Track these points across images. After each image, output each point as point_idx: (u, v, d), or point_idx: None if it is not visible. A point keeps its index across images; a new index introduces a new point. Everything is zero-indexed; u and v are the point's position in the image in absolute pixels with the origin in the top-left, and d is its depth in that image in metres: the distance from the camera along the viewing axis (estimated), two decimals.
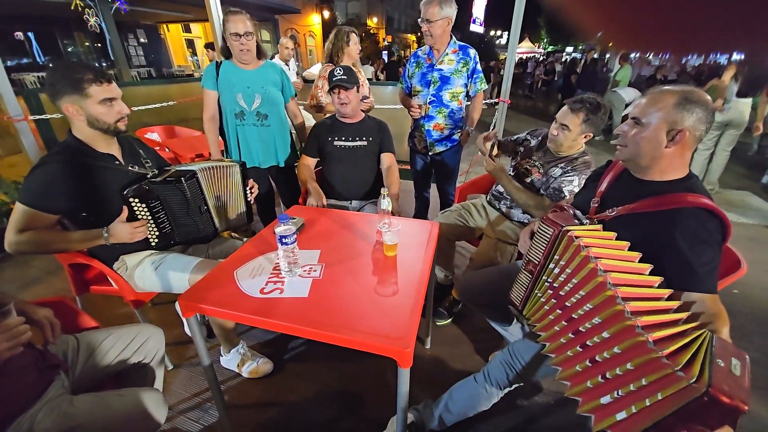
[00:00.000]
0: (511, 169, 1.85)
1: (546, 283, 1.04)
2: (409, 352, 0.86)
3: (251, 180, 1.67)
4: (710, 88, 4.90)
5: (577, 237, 0.95)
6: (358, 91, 1.89)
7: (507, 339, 1.62)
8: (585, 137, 1.56)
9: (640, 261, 0.92)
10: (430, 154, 2.31)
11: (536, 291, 1.09)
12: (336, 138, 1.97)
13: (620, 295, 0.81)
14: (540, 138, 1.77)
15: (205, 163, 1.50)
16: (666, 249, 0.94)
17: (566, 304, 0.96)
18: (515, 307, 1.19)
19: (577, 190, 1.50)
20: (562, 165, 1.61)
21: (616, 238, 0.97)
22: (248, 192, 1.64)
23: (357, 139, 1.97)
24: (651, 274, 0.91)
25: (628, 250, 0.94)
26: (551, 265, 1.03)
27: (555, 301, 1.00)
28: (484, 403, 1.22)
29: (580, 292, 0.91)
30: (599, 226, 1.04)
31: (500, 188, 1.85)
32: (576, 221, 1.09)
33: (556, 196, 1.57)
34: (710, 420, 0.67)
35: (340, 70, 1.85)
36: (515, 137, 1.90)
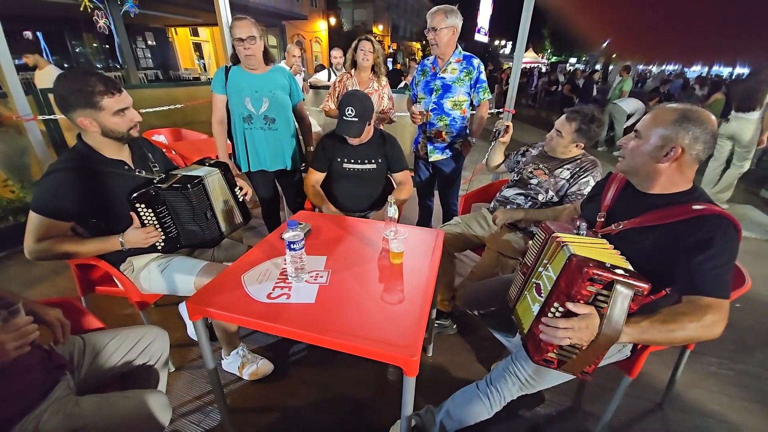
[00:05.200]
0: (515, 174, 1.89)
1: (534, 285, 1.06)
2: (416, 361, 0.87)
3: (240, 180, 1.64)
4: (713, 103, 4.92)
5: (563, 241, 0.97)
6: (369, 124, 1.80)
7: (510, 349, 1.62)
8: (577, 146, 1.68)
9: (650, 274, 0.92)
10: (430, 160, 2.34)
11: (525, 292, 1.10)
12: (346, 160, 1.91)
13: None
14: (540, 147, 1.87)
15: (184, 170, 1.49)
16: (675, 259, 0.96)
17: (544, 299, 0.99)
18: (508, 304, 1.20)
19: None
20: (568, 167, 1.69)
21: (624, 253, 0.97)
22: (237, 193, 1.61)
23: (366, 161, 1.92)
24: (659, 284, 0.96)
25: (640, 263, 0.95)
26: (540, 269, 1.04)
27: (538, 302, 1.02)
28: (486, 411, 1.21)
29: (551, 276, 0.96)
30: (601, 240, 1.04)
31: (506, 193, 1.87)
32: (575, 232, 1.09)
33: (577, 199, 1.65)
34: (569, 282, 0.88)
35: (351, 111, 1.70)
36: (516, 153, 2.00)
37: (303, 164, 2.28)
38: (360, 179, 1.95)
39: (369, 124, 1.80)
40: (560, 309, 0.91)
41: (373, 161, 1.92)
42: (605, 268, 0.84)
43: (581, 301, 0.87)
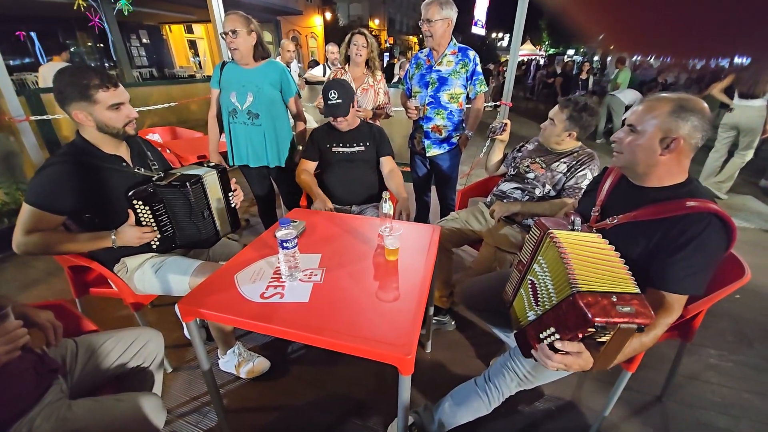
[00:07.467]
0: (512, 168, 1.87)
1: (529, 282, 1.04)
2: (411, 360, 0.85)
3: (234, 183, 1.59)
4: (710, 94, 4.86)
5: (558, 238, 0.94)
6: (352, 106, 1.90)
7: (508, 344, 1.61)
8: (570, 135, 1.67)
9: (640, 269, 0.91)
10: (427, 156, 2.31)
11: (521, 290, 1.09)
12: (335, 145, 1.98)
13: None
14: (536, 142, 1.86)
15: (183, 170, 1.47)
16: (657, 254, 0.96)
17: (539, 299, 0.98)
18: (506, 302, 1.18)
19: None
20: (565, 160, 1.68)
21: (617, 248, 0.93)
22: (230, 197, 1.56)
23: (355, 144, 1.99)
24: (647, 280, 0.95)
25: (632, 257, 0.93)
26: (535, 266, 1.03)
27: (534, 300, 1.01)
28: (485, 407, 1.21)
29: (548, 286, 0.93)
30: (595, 235, 1.01)
31: (503, 187, 1.85)
32: (569, 227, 1.07)
33: (574, 192, 1.64)
34: (569, 319, 0.80)
35: (334, 93, 1.80)
36: (512, 151, 1.98)
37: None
38: (351, 163, 2.00)
39: (352, 106, 1.89)
40: (556, 335, 0.87)
41: (361, 144, 2.00)
42: (611, 308, 0.76)
43: (581, 335, 0.82)
